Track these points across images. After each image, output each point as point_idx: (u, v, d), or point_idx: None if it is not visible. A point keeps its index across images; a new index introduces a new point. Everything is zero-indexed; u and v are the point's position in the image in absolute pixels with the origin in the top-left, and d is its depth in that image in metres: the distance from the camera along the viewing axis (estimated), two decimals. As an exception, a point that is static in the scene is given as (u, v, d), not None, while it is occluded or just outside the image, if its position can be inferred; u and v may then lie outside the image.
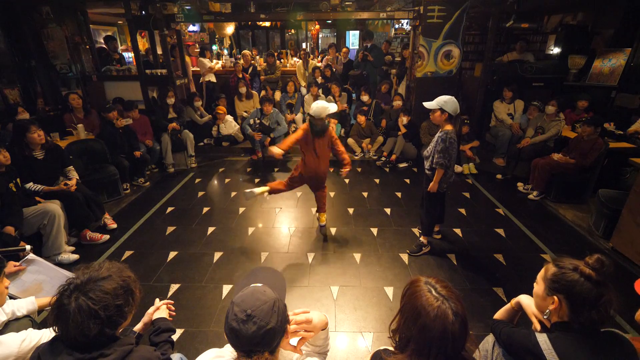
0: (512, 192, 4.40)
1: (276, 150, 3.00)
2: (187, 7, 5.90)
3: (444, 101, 2.63)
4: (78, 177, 3.46)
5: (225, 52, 9.83)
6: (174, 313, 1.60)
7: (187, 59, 6.81)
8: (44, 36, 5.15)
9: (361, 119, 5.56)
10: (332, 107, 3.00)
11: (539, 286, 1.29)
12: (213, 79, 7.02)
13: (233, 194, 4.40)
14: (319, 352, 1.21)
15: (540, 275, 1.30)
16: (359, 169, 5.21)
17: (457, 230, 3.51)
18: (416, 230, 3.43)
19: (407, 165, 5.24)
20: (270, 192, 3.34)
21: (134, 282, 1.20)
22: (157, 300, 1.61)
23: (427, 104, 2.73)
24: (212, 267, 2.97)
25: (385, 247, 3.25)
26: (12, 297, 1.86)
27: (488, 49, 5.41)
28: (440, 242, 3.30)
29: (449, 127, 2.69)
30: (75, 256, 3.04)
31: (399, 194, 4.33)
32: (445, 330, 0.93)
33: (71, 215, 3.19)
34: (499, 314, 1.54)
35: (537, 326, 1.32)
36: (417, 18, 5.16)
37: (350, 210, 3.93)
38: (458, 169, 4.93)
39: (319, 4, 5.40)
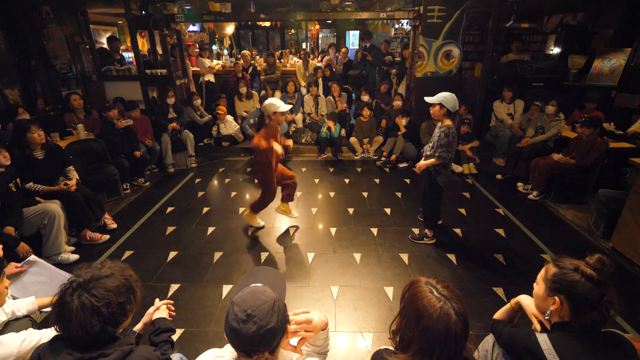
0: (512, 192, 4.39)
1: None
2: (187, 7, 5.90)
3: (443, 97, 2.78)
4: (78, 177, 3.46)
5: (225, 52, 9.83)
6: (174, 313, 1.60)
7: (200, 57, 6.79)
8: (44, 36, 5.14)
9: (366, 112, 5.57)
10: (283, 107, 3.00)
11: (539, 287, 1.29)
12: (212, 78, 7.03)
13: (233, 194, 4.40)
14: (319, 352, 1.21)
15: (540, 275, 1.30)
16: (359, 169, 5.21)
17: (457, 230, 3.51)
18: (416, 230, 3.43)
19: (407, 165, 5.23)
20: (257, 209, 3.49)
21: (135, 282, 1.22)
22: (157, 300, 1.61)
23: (428, 99, 2.85)
24: (212, 267, 2.97)
25: (385, 247, 3.25)
26: (13, 298, 1.86)
27: (488, 49, 5.41)
28: (440, 242, 3.30)
29: (449, 122, 2.82)
30: (75, 256, 3.04)
31: (399, 194, 4.33)
32: (448, 331, 0.93)
33: (71, 215, 3.19)
34: (498, 314, 1.53)
35: (537, 327, 1.32)
36: (417, 18, 5.16)
37: (350, 210, 3.93)
38: (458, 169, 4.93)
39: (319, 4, 5.40)
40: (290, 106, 3.21)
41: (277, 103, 3.00)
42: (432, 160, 2.91)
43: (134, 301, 1.19)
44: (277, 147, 3.01)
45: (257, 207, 3.44)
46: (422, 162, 3.00)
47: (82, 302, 1.04)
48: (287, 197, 3.50)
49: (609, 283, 1.14)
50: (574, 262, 1.21)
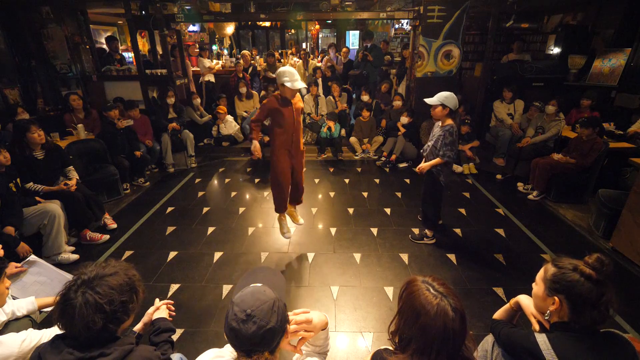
0: (512, 192, 4.39)
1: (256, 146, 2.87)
2: (187, 7, 5.90)
3: (444, 97, 2.75)
4: (78, 177, 3.46)
5: (225, 52, 9.83)
6: (173, 313, 1.61)
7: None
8: (44, 36, 5.15)
9: (365, 113, 5.58)
10: (298, 84, 2.56)
11: (538, 287, 1.29)
12: (212, 78, 7.03)
13: (233, 194, 4.40)
14: (319, 352, 1.21)
15: (539, 276, 1.29)
16: (359, 169, 5.21)
17: (457, 230, 3.51)
18: (416, 230, 3.43)
19: (407, 165, 5.23)
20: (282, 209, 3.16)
21: (138, 281, 1.24)
22: (157, 300, 1.61)
23: (428, 100, 2.83)
24: (212, 267, 2.97)
25: (385, 247, 3.25)
26: (13, 298, 1.87)
27: (488, 49, 5.41)
28: (440, 242, 3.30)
29: (450, 122, 2.80)
30: (75, 256, 3.04)
31: (399, 194, 4.33)
32: (445, 327, 0.93)
33: (71, 215, 3.19)
34: (498, 314, 1.53)
35: (536, 327, 1.32)
36: (417, 18, 5.16)
37: (350, 210, 3.93)
38: (458, 169, 4.93)
39: (319, 4, 5.40)
40: (304, 85, 2.64)
41: (291, 76, 2.45)
42: (437, 160, 2.87)
43: (136, 301, 1.20)
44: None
45: (275, 203, 3.16)
46: (425, 164, 2.95)
47: (86, 298, 1.05)
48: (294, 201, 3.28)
49: (608, 282, 1.13)
50: (573, 261, 1.20)
